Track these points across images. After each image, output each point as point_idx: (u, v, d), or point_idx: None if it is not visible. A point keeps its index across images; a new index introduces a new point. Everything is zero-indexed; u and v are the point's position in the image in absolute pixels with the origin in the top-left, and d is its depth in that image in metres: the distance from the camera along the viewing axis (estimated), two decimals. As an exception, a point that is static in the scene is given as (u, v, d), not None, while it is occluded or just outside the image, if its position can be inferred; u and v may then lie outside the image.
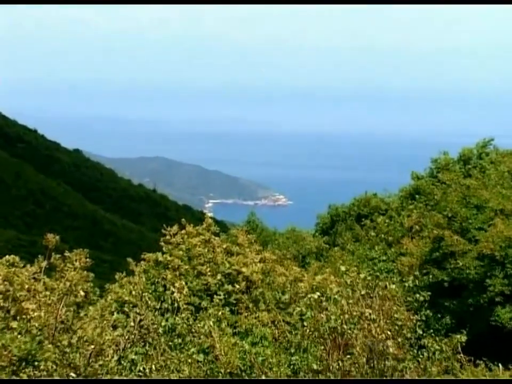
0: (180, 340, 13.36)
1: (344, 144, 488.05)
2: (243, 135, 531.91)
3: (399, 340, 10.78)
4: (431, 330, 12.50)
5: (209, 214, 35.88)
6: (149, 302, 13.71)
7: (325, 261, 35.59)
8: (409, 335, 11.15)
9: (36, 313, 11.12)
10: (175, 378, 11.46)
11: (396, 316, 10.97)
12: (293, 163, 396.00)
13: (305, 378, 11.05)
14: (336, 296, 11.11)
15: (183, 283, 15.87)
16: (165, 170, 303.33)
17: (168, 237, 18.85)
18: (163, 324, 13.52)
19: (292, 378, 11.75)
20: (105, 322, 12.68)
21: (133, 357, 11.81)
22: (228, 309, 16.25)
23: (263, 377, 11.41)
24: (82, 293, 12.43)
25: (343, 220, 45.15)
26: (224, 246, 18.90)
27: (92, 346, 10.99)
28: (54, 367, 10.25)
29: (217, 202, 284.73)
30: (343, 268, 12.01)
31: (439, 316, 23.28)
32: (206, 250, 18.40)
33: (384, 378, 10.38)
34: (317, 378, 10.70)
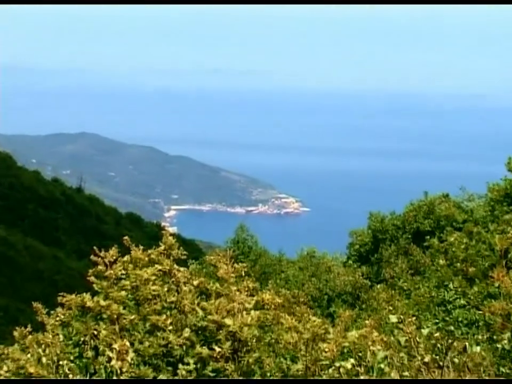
0: None
1: (392, 112, 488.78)
2: (225, 96, 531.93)
3: None
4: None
5: (171, 229, 35.78)
6: (70, 376, 13.70)
7: (364, 307, 35.66)
8: (503, 428, 11.18)
9: None
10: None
11: (482, 397, 11.00)
12: (310, 144, 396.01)
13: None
14: (382, 365, 11.13)
15: (127, 344, 15.87)
16: (97, 157, 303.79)
17: (102, 267, 18.83)
18: (94, 411, 13.51)
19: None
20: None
21: None
22: (202, 386, 16.28)
23: None
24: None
25: (393, 238, 45.28)
26: (196, 282, 18.90)
27: None
28: None
29: (185, 209, 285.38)
30: (394, 319, 12.02)
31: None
32: (166, 289, 18.39)
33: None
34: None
